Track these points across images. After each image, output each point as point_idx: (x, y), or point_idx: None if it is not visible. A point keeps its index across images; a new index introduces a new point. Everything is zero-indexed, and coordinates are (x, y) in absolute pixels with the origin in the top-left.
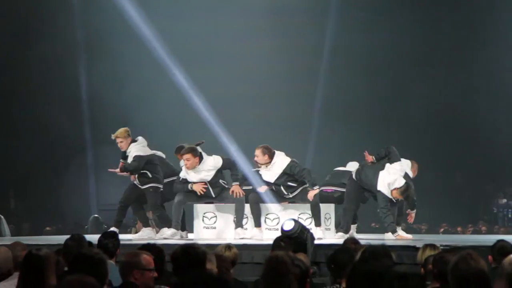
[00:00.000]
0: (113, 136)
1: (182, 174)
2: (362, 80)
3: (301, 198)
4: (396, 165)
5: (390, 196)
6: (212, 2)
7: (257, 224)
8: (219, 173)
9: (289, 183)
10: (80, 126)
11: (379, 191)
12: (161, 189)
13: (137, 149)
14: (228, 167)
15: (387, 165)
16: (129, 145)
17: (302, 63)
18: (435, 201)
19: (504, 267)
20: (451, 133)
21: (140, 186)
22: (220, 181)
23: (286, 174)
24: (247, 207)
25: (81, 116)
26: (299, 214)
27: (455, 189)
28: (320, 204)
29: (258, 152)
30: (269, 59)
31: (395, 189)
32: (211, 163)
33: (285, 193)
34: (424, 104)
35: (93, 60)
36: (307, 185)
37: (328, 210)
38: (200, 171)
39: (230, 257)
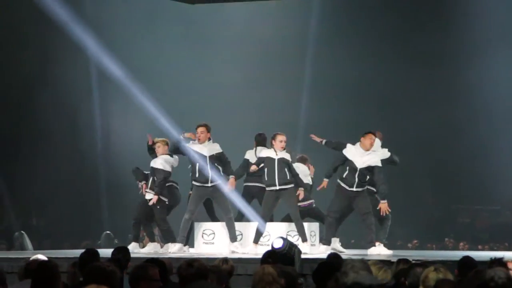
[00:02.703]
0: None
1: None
2: (343, 109)
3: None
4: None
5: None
6: (187, 33)
7: (256, 240)
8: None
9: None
10: (95, 157)
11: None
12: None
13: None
14: (222, 161)
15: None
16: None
17: (282, 94)
18: (407, 220)
19: (470, 278)
20: (424, 158)
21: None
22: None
23: (288, 165)
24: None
25: (95, 149)
26: (288, 232)
27: (425, 209)
28: (307, 223)
29: (284, 137)
30: (245, 90)
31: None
32: (216, 147)
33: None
34: (398, 130)
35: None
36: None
37: (313, 228)
38: (206, 145)
39: (227, 269)
